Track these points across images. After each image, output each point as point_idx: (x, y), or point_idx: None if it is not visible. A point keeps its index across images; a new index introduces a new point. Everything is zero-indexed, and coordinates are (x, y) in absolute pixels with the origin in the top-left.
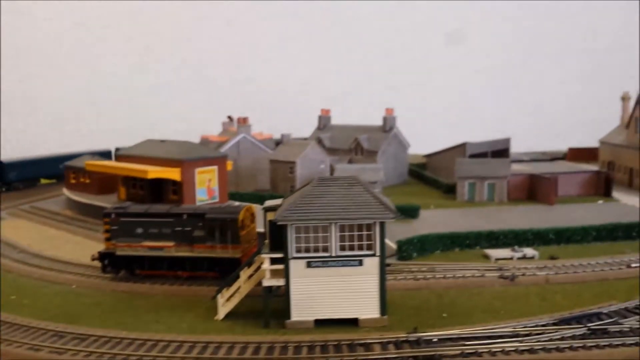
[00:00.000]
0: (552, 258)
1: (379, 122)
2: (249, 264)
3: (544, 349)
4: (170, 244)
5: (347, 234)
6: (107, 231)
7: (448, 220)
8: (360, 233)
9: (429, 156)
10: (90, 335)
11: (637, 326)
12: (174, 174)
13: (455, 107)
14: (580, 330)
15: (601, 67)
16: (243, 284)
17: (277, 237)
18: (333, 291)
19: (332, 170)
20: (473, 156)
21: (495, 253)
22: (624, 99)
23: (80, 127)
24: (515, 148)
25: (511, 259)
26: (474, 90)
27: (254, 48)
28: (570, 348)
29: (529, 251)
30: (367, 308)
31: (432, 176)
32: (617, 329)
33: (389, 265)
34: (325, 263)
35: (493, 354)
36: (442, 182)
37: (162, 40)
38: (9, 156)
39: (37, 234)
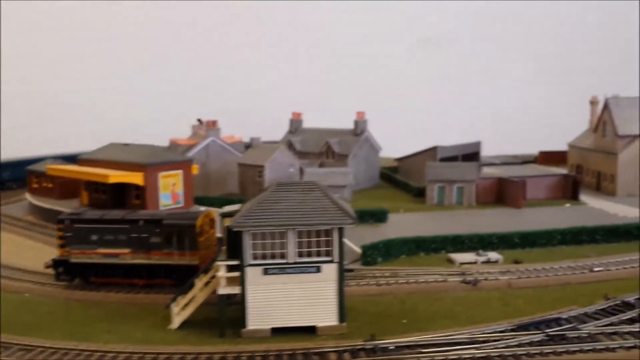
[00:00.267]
0: (516, 262)
1: (350, 125)
2: (206, 271)
3: (500, 356)
4: (126, 251)
5: (305, 240)
6: (61, 238)
7: (416, 224)
8: (318, 239)
9: (400, 160)
10: (37, 347)
11: (596, 332)
12: (136, 178)
13: (428, 110)
14: (538, 337)
15: (572, 71)
16: (199, 292)
17: (234, 243)
18: (290, 299)
19: (301, 173)
20: (444, 160)
21: (459, 257)
22: (592, 103)
23: (45, 132)
24: (488, 151)
25: (475, 263)
26: (446, 94)
27: (228, 51)
28: (527, 355)
29: (493, 255)
30: (326, 315)
31: (403, 180)
32: (576, 335)
33: (352, 270)
34: (282, 270)
35: None
36: (412, 186)
37: (134, 43)
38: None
39: None
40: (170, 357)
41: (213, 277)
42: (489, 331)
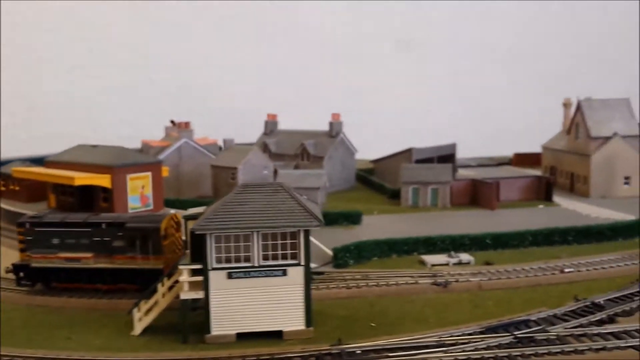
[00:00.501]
0: (487, 264)
1: (326, 127)
2: (169, 275)
3: (468, 359)
4: (89, 255)
5: (270, 242)
6: (22, 242)
7: (390, 226)
8: (284, 242)
9: (376, 161)
10: None
11: (565, 334)
12: (103, 180)
13: (404, 112)
14: (507, 339)
15: (545, 73)
16: (161, 297)
17: (197, 247)
18: (256, 303)
19: (275, 175)
20: (419, 161)
21: (431, 259)
22: (565, 105)
23: (17, 133)
24: (463, 154)
25: (447, 264)
26: (422, 96)
27: (202, 52)
28: (495, 358)
29: (465, 257)
30: (292, 320)
31: (378, 181)
32: (544, 337)
33: (322, 273)
34: (247, 274)
35: None
36: (387, 188)
37: (107, 43)
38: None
39: None
40: None
41: (176, 281)
42: (458, 334)
